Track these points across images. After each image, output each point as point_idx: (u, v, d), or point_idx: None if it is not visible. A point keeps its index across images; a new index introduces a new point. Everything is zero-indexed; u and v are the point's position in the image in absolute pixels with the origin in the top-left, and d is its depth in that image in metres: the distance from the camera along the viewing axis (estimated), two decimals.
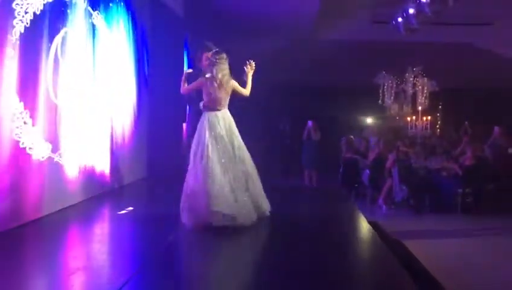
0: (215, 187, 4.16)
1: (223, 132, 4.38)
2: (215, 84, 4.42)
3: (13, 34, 3.92)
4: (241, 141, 4.51)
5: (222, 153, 4.31)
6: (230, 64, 4.52)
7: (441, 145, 10.70)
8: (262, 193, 4.54)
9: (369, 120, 14.75)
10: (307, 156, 10.37)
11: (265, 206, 4.54)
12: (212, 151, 4.27)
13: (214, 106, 4.46)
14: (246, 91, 4.66)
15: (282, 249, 3.75)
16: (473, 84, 12.54)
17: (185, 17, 8.81)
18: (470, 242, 6.87)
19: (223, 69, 4.44)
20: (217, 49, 4.57)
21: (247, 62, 4.71)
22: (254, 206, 4.36)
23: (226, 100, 4.51)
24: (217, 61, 4.43)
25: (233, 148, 4.41)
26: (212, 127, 4.37)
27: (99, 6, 5.65)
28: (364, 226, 4.52)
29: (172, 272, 3.24)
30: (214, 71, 4.42)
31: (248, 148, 4.54)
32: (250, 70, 4.69)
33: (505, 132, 9.72)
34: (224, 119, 4.45)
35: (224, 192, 4.18)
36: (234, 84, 4.56)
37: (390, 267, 3.37)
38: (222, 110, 4.48)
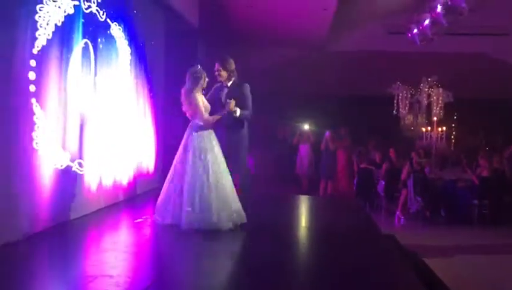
0: None
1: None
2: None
3: (36, 45, 4.02)
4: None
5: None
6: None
7: (457, 156, 10.58)
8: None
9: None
10: (324, 166, 10.35)
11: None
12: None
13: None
14: (205, 116, 4.71)
15: (292, 260, 3.74)
16: (488, 94, 12.41)
17: (200, 29, 8.89)
18: (486, 254, 6.77)
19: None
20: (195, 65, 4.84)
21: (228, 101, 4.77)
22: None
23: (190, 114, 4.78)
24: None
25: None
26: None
27: (117, 17, 5.75)
28: (380, 239, 4.49)
29: (189, 280, 3.25)
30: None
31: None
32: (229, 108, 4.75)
33: None
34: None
35: None
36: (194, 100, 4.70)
37: (407, 282, 3.35)
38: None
